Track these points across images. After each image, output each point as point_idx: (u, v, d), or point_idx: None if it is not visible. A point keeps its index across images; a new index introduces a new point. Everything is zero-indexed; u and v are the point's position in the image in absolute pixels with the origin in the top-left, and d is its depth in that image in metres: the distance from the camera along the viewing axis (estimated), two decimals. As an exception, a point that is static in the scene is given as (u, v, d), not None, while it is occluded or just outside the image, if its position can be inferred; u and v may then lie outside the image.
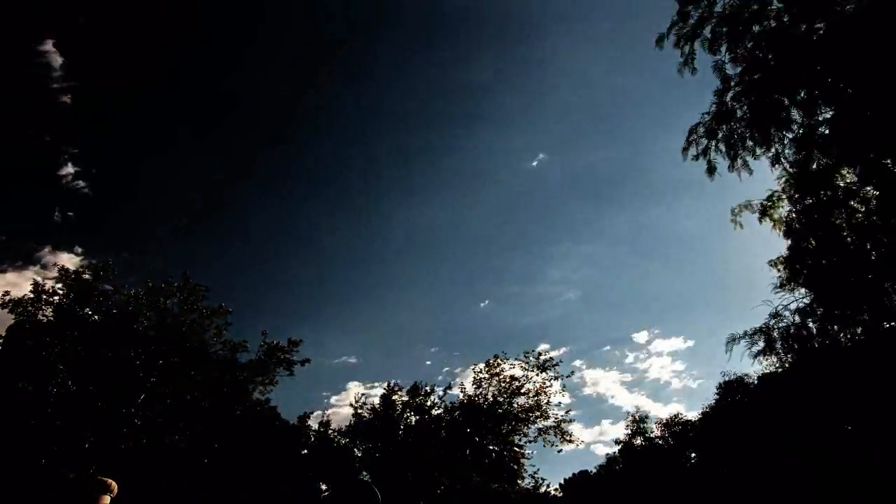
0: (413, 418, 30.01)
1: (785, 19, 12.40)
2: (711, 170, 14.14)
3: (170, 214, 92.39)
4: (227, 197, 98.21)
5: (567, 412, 29.68)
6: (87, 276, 21.89)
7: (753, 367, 34.79)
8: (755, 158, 13.75)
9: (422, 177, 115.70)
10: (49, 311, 20.80)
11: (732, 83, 13.45)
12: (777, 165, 13.57)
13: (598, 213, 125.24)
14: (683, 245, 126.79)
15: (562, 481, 55.32)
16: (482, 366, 30.03)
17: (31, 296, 20.86)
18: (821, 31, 11.83)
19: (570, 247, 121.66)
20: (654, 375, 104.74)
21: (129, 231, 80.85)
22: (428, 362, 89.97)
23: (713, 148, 14.07)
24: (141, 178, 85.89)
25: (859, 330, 15.11)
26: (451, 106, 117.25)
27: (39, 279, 21.63)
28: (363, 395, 40.56)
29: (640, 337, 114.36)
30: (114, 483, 4.48)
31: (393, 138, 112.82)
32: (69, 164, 75.26)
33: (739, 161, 13.80)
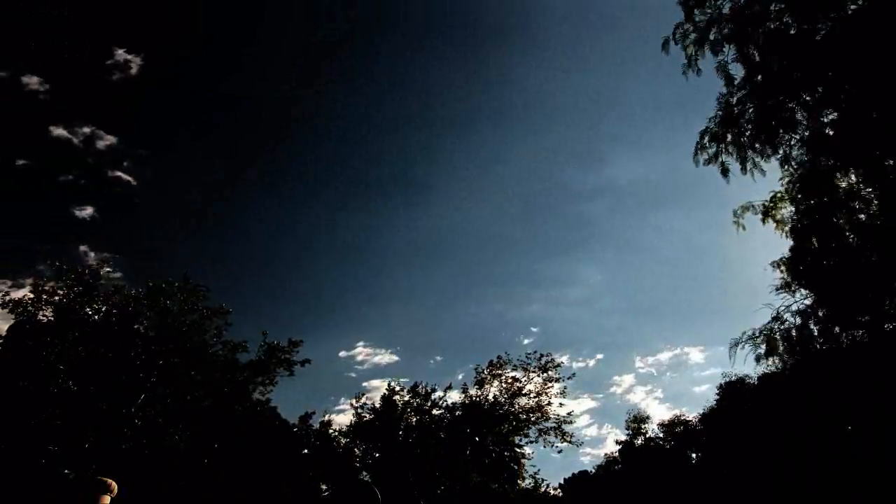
0: (413, 418, 29.99)
1: (787, 20, 12.39)
2: (725, 172, 14.25)
3: (170, 214, 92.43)
4: (227, 196, 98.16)
5: (569, 414, 29.73)
6: (87, 276, 21.89)
7: (757, 369, 34.84)
8: (766, 161, 13.82)
9: (426, 178, 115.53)
10: (49, 311, 20.79)
11: (736, 86, 13.49)
12: (786, 166, 13.64)
13: (619, 220, 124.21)
14: (705, 252, 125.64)
15: (561, 481, 55.32)
16: (484, 366, 30.05)
17: (32, 296, 20.86)
18: (823, 33, 11.83)
19: (594, 254, 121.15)
20: (677, 383, 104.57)
21: (129, 232, 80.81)
22: (438, 359, 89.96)
23: (723, 151, 14.12)
24: (141, 178, 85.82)
25: (860, 331, 15.08)
26: (457, 108, 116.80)
27: None
28: (363, 394, 40.51)
29: (666, 345, 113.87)
30: (114, 483, 4.46)
31: (395, 139, 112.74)
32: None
33: (749, 164, 13.89)
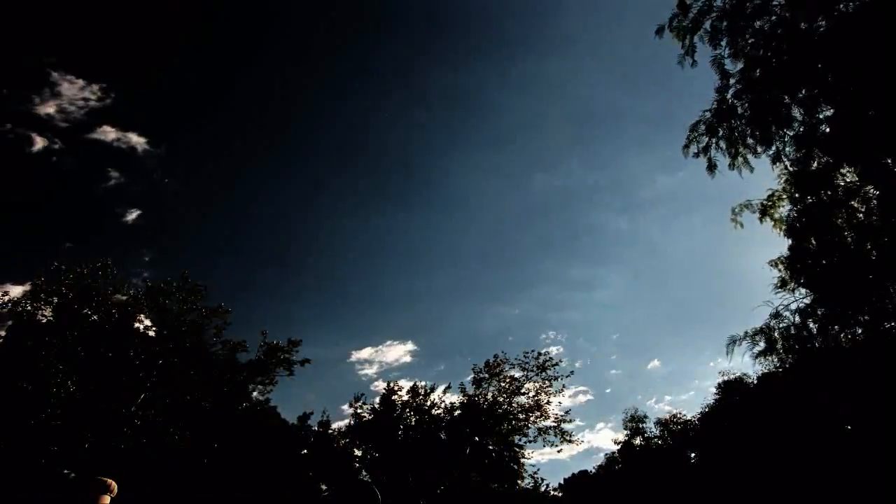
0: (413, 418, 29.99)
1: (786, 16, 12.41)
2: (712, 167, 14.27)
3: (171, 214, 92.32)
4: (229, 196, 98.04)
5: (566, 412, 29.76)
6: (86, 276, 21.87)
7: (755, 368, 34.78)
8: (756, 156, 13.86)
9: (430, 178, 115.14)
10: (49, 311, 20.79)
11: (733, 80, 13.51)
12: (778, 163, 13.67)
13: (636, 226, 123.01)
14: (727, 259, 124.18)
15: (561, 481, 55.34)
16: (481, 366, 30.07)
17: (31, 296, 20.86)
18: (822, 29, 11.85)
19: (612, 260, 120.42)
20: (696, 390, 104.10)
21: (131, 230, 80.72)
22: (457, 359, 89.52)
23: (714, 146, 14.15)
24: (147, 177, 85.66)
25: (859, 330, 15.08)
26: (459, 111, 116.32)
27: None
28: (362, 394, 40.46)
29: (686, 353, 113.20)
30: (114, 483, 4.47)
31: (394, 140, 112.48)
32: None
33: (740, 159, 13.92)
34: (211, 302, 24.22)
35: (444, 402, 30.33)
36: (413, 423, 29.81)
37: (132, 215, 76.18)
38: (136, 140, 77.47)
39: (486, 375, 29.84)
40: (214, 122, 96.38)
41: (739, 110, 13.64)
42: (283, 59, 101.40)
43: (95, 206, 75.04)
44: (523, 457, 29.83)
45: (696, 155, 14.32)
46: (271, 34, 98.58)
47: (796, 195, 14.02)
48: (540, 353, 29.65)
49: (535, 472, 30.60)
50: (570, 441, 29.23)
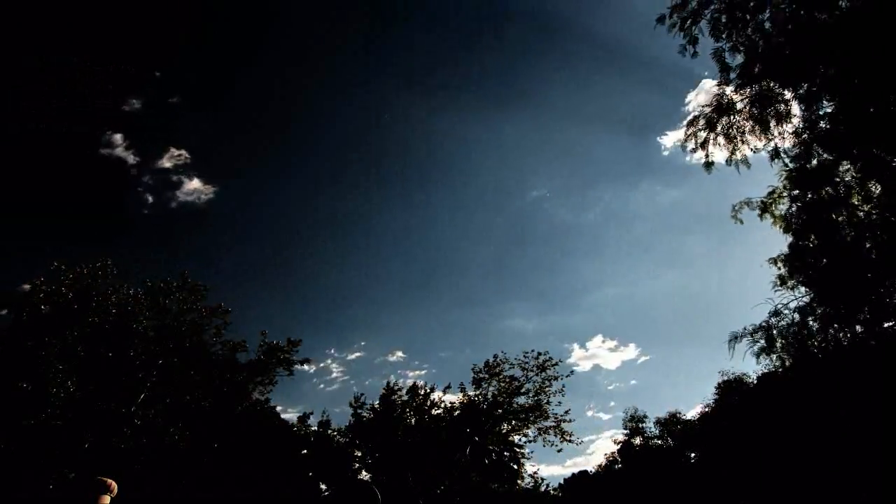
0: (413, 419, 30.01)
1: (787, 10, 12.37)
2: (709, 164, 14.24)
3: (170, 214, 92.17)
4: (229, 196, 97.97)
5: (567, 412, 29.76)
6: (86, 276, 21.86)
7: (755, 367, 34.77)
8: (754, 152, 13.85)
9: (423, 188, 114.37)
10: (49, 311, 20.77)
11: (733, 74, 13.48)
12: (776, 159, 13.67)
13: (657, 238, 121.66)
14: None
15: (561, 481, 55.36)
16: (481, 366, 30.08)
17: (31, 296, 20.86)
18: (824, 23, 11.82)
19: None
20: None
21: (131, 228, 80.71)
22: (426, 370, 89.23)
23: (712, 141, 14.12)
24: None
25: (859, 329, 15.07)
26: (465, 112, 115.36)
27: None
28: (362, 394, 40.41)
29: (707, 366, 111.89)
30: (114, 483, 4.46)
31: (396, 139, 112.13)
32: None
33: (738, 154, 13.88)
34: (211, 302, 24.27)
35: (444, 402, 30.38)
36: (413, 423, 29.82)
37: (132, 215, 76.19)
38: (136, 140, 77.21)
39: (486, 375, 29.86)
40: (214, 122, 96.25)
41: (739, 105, 13.63)
42: (283, 59, 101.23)
43: (94, 207, 74.97)
44: (524, 457, 29.89)
45: (694, 150, 14.32)
46: (271, 34, 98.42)
47: (796, 192, 14.02)
48: (540, 353, 29.69)
49: (535, 472, 30.69)
50: (569, 441, 29.25)
